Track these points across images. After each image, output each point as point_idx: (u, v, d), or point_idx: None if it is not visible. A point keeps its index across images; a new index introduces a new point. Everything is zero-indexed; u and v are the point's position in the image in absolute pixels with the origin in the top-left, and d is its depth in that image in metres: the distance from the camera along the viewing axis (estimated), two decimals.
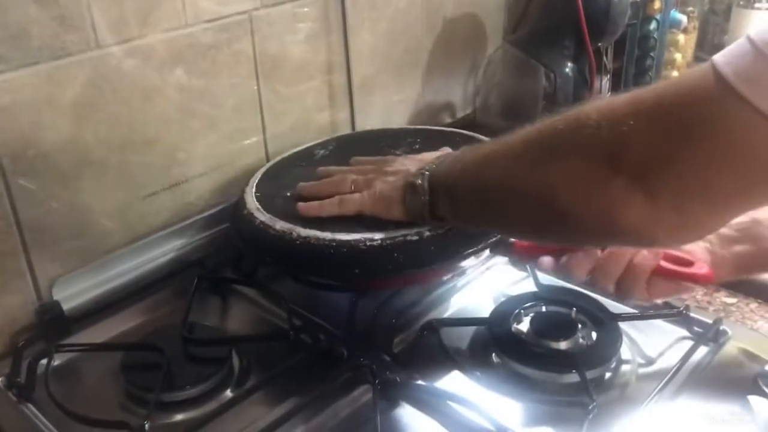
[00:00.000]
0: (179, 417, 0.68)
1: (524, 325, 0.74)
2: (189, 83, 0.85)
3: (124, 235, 0.84)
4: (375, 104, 1.10)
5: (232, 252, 0.87)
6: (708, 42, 1.62)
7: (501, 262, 0.87)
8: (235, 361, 0.73)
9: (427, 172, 0.68)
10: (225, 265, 0.88)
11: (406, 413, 0.67)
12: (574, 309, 0.75)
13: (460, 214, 0.67)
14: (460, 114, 1.29)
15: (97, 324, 0.80)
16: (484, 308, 0.79)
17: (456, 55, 1.24)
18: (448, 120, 1.27)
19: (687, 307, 0.75)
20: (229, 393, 0.70)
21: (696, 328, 0.74)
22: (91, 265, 0.81)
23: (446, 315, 0.81)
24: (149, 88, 0.81)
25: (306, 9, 0.95)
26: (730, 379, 0.69)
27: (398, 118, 1.16)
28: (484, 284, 0.86)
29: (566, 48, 1.11)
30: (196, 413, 0.67)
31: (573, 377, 0.67)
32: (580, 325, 0.73)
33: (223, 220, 0.90)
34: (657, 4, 1.41)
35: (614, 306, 0.76)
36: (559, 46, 1.12)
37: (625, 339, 0.73)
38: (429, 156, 0.75)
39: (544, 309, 0.76)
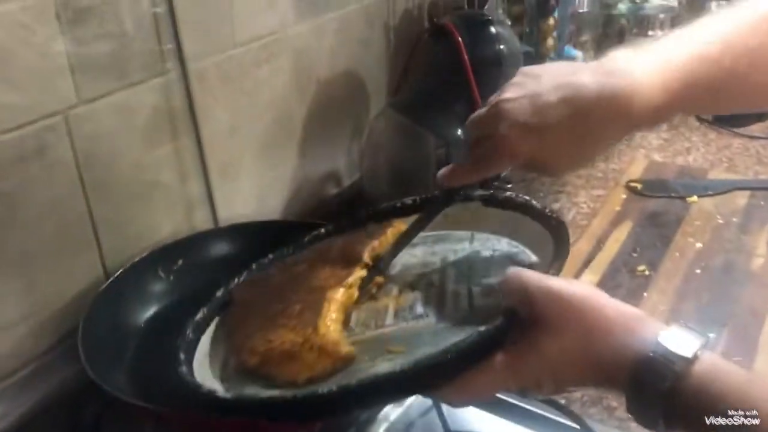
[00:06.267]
0: None
1: None
2: None
3: None
4: (241, 190, 0.95)
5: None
6: None
7: None
8: None
9: None
10: None
11: None
12: None
13: None
14: (346, 182, 1.15)
15: None
16: None
17: (335, 118, 1.10)
18: (334, 190, 1.13)
19: None
20: None
21: None
22: None
23: None
24: None
25: (141, 96, 0.79)
26: None
27: (273, 200, 1.01)
28: None
29: (456, 111, 0.98)
30: None
31: None
32: None
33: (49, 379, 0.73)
34: (549, 42, 1.32)
35: None
36: (447, 108, 0.99)
37: None
38: None
39: None
